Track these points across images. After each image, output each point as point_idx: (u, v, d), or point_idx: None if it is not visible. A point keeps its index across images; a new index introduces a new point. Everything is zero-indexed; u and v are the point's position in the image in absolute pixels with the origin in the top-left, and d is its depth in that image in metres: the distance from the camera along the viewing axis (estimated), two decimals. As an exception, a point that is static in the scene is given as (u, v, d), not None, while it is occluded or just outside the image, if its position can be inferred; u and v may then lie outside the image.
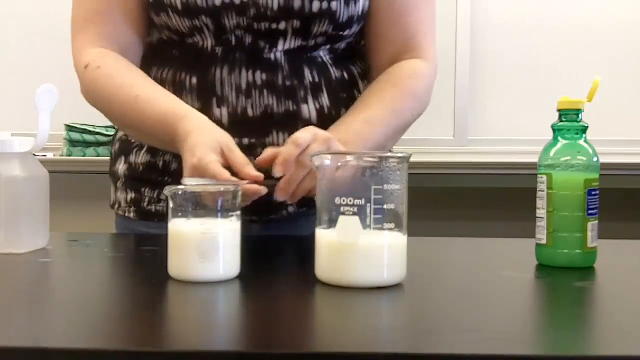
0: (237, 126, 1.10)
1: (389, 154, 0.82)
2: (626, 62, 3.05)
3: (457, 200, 2.83)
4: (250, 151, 1.10)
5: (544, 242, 0.95)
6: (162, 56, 1.17)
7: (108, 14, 1.15)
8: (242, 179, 0.94)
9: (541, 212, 0.95)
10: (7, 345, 0.61)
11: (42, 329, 0.67)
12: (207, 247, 0.83)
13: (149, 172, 1.18)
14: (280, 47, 1.12)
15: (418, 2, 1.20)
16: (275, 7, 1.09)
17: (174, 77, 1.14)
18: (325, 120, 1.13)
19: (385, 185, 0.80)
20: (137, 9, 1.16)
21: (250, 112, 1.11)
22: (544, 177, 0.95)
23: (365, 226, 0.80)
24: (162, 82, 1.14)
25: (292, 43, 1.13)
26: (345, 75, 1.18)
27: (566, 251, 0.94)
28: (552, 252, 0.94)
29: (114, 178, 1.27)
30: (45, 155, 2.81)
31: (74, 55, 1.18)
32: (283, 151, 0.95)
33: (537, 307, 0.79)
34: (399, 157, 0.82)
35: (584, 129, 0.97)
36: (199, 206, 0.84)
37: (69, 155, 2.94)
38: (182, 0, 1.09)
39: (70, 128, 2.97)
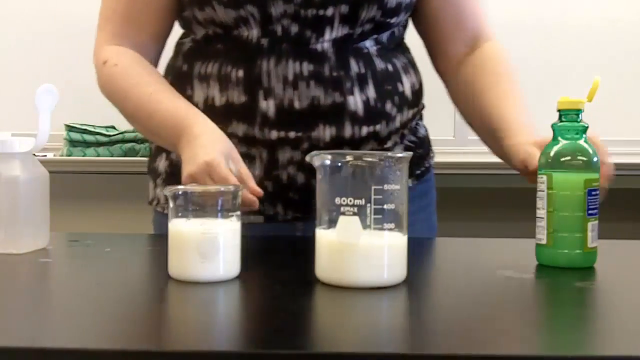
0: (283, 119, 1.10)
1: (389, 154, 0.82)
2: (626, 62, 3.05)
3: (457, 201, 2.82)
4: (296, 145, 1.11)
5: (544, 242, 0.95)
6: (206, 51, 1.16)
7: (127, 14, 1.17)
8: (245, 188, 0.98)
9: (541, 212, 0.95)
10: (7, 345, 0.61)
11: (42, 329, 0.67)
12: (207, 247, 0.83)
13: None
14: (327, 36, 1.11)
15: None
16: None
17: (219, 71, 1.13)
18: (371, 113, 1.12)
19: (385, 185, 0.80)
20: (162, 9, 1.17)
21: (297, 104, 1.10)
22: (544, 177, 0.95)
23: (365, 226, 0.80)
24: (206, 77, 1.14)
25: (338, 31, 1.11)
26: (389, 67, 1.17)
27: (566, 251, 0.94)
28: (552, 252, 0.94)
29: (154, 174, 1.26)
30: (45, 155, 2.81)
31: (94, 50, 1.20)
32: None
33: (537, 307, 0.79)
34: (399, 157, 0.82)
35: (584, 129, 0.96)
36: (199, 206, 0.84)
37: (69, 155, 2.94)
38: None
39: (70, 128, 2.97)
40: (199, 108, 1.14)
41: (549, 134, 0.98)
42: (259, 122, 1.11)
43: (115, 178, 2.92)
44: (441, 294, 0.84)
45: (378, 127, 1.14)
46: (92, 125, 3.01)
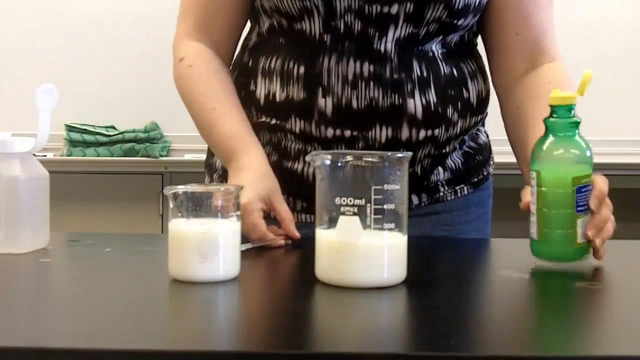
0: (340, 117, 1.10)
1: (389, 154, 0.82)
2: (626, 62, 3.05)
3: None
4: (351, 144, 1.11)
5: (535, 237, 0.95)
6: (270, 45, 1.17)
7: (207, 3, 1.18)
8: (282, 229, 1.04)
9: (533, 208, 0.95)
10: (7, 345, 0.61)
11: (42, 329, 0.67)
12: (207, 247, 0.83)
13: None
14: (390, 35, 1.09)
15: (544, 0, 1.19)
16: None
17: (282, 66, 1.13)
18: (431, 117, 1.11)
19: (385, 185, 0.80)
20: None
21: (354, 104, 1.10)
22: (534, 174, 0.94)
23: (365, 226, 0.80)
24: (270, 72, 1.15)
25: (402, 31, 1.10)
26: (455, 72, 1.14)
27: (556, 247, 0.93)
28: (543, 247, 0.94)
29: (210, 170, 1.26)
30: (45, 155, 2.81)
31: (174, 40, 1.21)
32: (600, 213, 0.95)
33: (537, 307, 0.79)
34: (399, 157, 0.82)
35: (577, 124, 0.95)
36: (199, 206, 0.84)
37: (69, 155, 2.94)
38: None
39: (70, 128, 2.98)
40: (260, 103, 1.15)
41: None
42: (315, 119, 1.11)
43: (115, 178, 2.92)
44: (441, 294, 0.84)
45: (437, 131, 1.12)
46: (92, 125, 3.01)
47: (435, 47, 1.13)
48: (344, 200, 0.80)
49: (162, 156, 2.96)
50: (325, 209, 0.82)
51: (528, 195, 0.96)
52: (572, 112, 0.94)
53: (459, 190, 1.21)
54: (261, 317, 0.73)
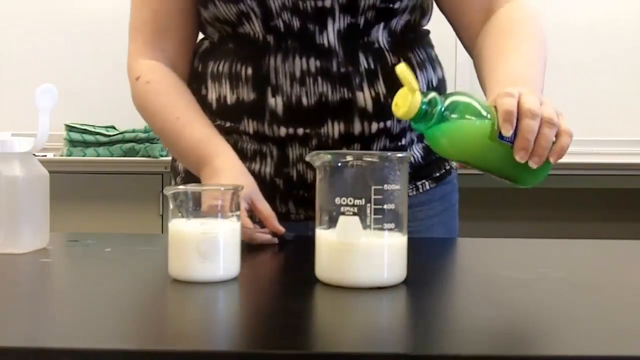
0: (291, 115, 1.11)
1: (389, 154, 0.82)
2: (626, 62, 3.05)
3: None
4: (305, 141, 1.11)
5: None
6: (218, 51, 1.17)
7: (156, 22, 1.19)
8: (266, 227, 1.05)
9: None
10: (7, 345, 0.61)
11: (42, 329, 0.67)
12: (207, 247, 0.83)
13: None
14: (330, 28, 1.10)
15: None
16: None
17: (229, 69, 1.14)
18: (381, 108, 1.11)
19: (385, 185, 0.80)
20: (186, 12, 1.18)
21: (304, 100, 1.10)
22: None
23: (365, 226, 0.80)
24: (218, 75, 1.15)
25: (341, 22, 1.10)
26: (402, 62, 1.16)
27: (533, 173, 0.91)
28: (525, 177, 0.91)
29: (174, 173, 1.28)
30: (45, 155, 2.81)
31: (128, 61, 1.22)
32: (500, 104, 0.87)
33: (537, 307, 0.79)
34: (399, 157, 0.82)
35: (439, 112, 0.86)
36: (199, 206, 0.84)
37: (69, 155, 2.94)
38: None
39: (70, 128, 2.98)
40: (213, 107, 1.16)
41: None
42: (267, 119, 1.12)
43: (115, 178, 2.92)
44: (441, 294, 0.84)
45: (389, 123, 1.13)
46: (92, 125, 3.01)
47: (381, 37, 1.13)
48: (344, 200, 0.80)
49: (162, 156, 2.96)
50: (325, 209, 0.82)
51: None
52: (425, 108, 0.86)
53: (420, 186, 1.21)
54: (261, 317, 0.73)
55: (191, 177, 1.20)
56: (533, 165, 0.87)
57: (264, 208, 1.06)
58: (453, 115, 0.87)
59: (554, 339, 0.65)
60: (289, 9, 1.10)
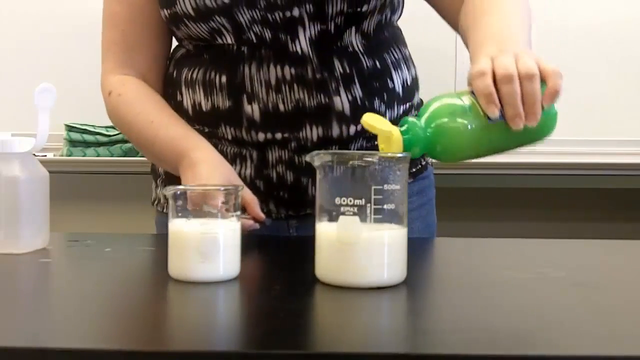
0: (269, 121, 1.11)
1: (389, 154, 0.82)
2: (626, 62, 3.05)
3: (456, 200, 2.83)
4: (284, 145, 1.12)
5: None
6: (194, 59, 1.18)
7: (126, 42, 1.20)
8: (248, 214, 1.05)
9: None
10: (7, 345, 0.61)
11: (42, 329, 0.67)
12: (207, 247, 0.83)
13: None
14: (301, 36, 1.11)
15: None
16: None
17: (203, 77, 1.15)
18: (358, 111, 1.12)
19: (385, 185, 0.80)
20: (157, 31, 1.19)
21: (281, 107, 1.11)
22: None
23: (365, 226, 0.80)
24: (192, 82, 1.16)
25: (312, 29, 1.11)
26: (378, 64, 1.15)
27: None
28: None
29: (155, 175, 1.29)
30: (45, 155, 2.81)
31: (101, 80, 1.23)
32: (476, 88, 0.86)
33: (537, 307, 0.79)
34: (399, 157, 0.82)
35: (414, 127, 0.87)
36: (199, 206, 0.84)
37: (69, 155, 2.94)
38: (192, 5, 1.10)
39: (70, 128, 2.97)
40: (189, 113, 1.17)
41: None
42: (245, 126, 1.13)
43: (115, 178, 2.92)
44: (441, 294, 0.84)
45: None
46: (92, 125, 3.01)
47: (354, 41, 1.14)
48: (344, 200, 0.80)
49: (162, 156, 2.96)
50: (325, 209, 0.82)
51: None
52: (411, 139, 0.86)
53: None
54: (261, 317, 0.73)
55: (172, 179, 1.20)
56: (533, 124, 0.86)
57: (246, 193, 1.06)
58: (436, 125, 0.87)
59: (554, 339, 0.65)
60: (259, 21, 1.10)
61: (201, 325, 0.70)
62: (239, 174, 1.15)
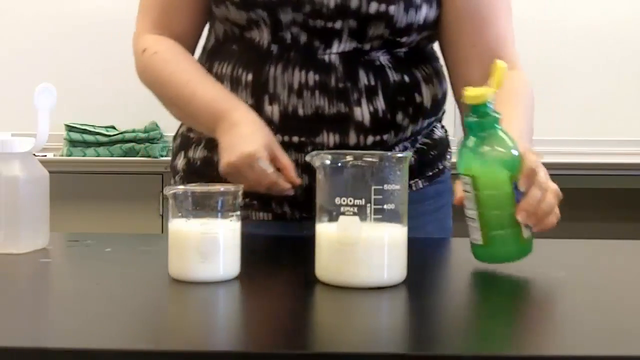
0: (287, 124, 1.11)
1: (389, 154, 0.82)
2: (626, 62, 3.05)
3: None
4: (300, 149, 1.12)
5: (480, 242, 0.91)
6: (223, 51, 1.18)
7: (166, 3, 1.20)
8: (284, 177, 1.04)
9: (471, 213, 0.91)
10: (7, 345, 0.61)
11: (42, 329, 0.67)
12: (207, 247, 0.83)
13: (205, 167, 1.20)
14: (334, 48, 1.11)
15: (500, 9, 1.16)
16: (332, 5, 1.09)
17: (231, 73, 1.15)
18: (379, 123, 1.12)
19: (385, 185, 0.80)
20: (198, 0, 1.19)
21: (300, 111, 1.11)
22: (468, 179, 0.90)
23: (365, 226, 0.80)
24: (220, 77, 1.16)
25: (346, 45, 1.11)
26: (406, 78, 1.14)
27: (504, 247, 0.91)
28: (488, 252, 0.92)
29: (173, 172, 1.28)
30: (45, 155, 2.81)
31: (133, 38, 1.22)
32: (531, 161, 0.91)
33: (537, 307, 0.79)
34: (399, 157, 0.82)
35: (497, 120, 0.90)
36: (199, 206, 0.84)
37: (69, 155, 2.94)
38: None
39: (70, 128, 2.97)
40: None
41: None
42: None
43: (115, 178, 2.92)
44: (441, 294, 0.84)
45: (386, 136, 1.13)
46: (92, 125, 3.01)
47: (382, 57, 1.13)
48: (344, 200, 0.80)
49: (162, 156, 2.96)
50: (325, 209, 0.82)
51: (460, 189, 0.93)
52: (491, 107, 0.89)
53: (412, 185, 1.20)
54: (261, 317, 0.73)
55: (191, 176, 1.20)
56: (531, 223, 0.90)
57: (283, 158, 1.05)
58: (496, 135, 0.90)
59: (554, 339, 0.65)
60: (299, 24, 1.10)
61: (201, 325, 0.70)
62: None
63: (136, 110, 3.09)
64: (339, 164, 0.81)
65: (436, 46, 1.22)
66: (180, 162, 1.25)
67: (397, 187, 0.81)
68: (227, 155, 1.03)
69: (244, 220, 1.14)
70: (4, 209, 0.98)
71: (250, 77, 1.13)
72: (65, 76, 3.05)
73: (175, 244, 0.84)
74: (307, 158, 0.84)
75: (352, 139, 1.12)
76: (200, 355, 0.61)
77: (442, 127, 1.27)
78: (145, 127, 3.03)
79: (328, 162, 0.82)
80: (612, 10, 3.06)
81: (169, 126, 3.28)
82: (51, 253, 1.01)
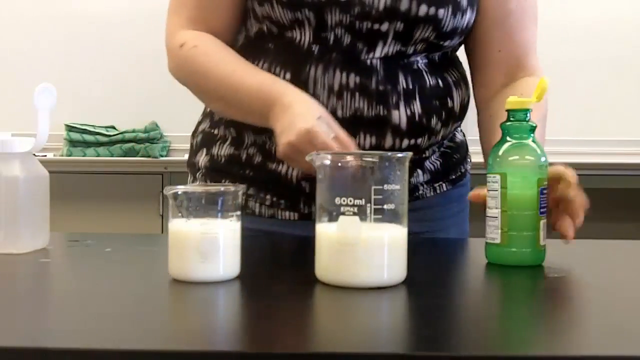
0: None
1: (389, 154, 0.82)
2: (626, 62, 3.05)
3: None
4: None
5: (497, 241, 0.94)
6: (257, 48, 1.17)
7: (199, 1, 1.18)
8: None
9: (494, 212, 0.94)
10: (7, 345, 0.61)
11: (42, 329, 0.67)
12: (207, 247, 0.83)
13: (231, 165, 1.20)
14: (378, 51, 1.11)
15: (529, 18, 1.20)
16: (381, 7, 1.09)
17: (268, 71, 1.14)
18: (415, 127, 1.12)
19: (385, 185, 0.80)
20: None
21: (339, 113, 1.10)
22: (497, 177, 0.94)
23: (365, 226, 0.80)
24: None
25: (390, 47, 1.11)
26: (440, 83, 1.16)
27: (518, 250, 0.93)
28: (504, 251, 0.94)
29: (193, 169, 1.27)
30: (45, 155, 2.82)
31: (167, 34, 1.21)
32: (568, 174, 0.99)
33: (537, 307, 0.79)
34: (399, 157, 0.82)
35: (532, 129, 0.96)
36: (199, 206, 0.84)
37: (69, 155, 2.95)
38: None
39: (70, 128, 2.98)
40: None
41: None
42: None
43: (115, 178, 2.92)
44: (441, 294, 0.84)
45: (420, 140, 1.14)
46: (92, 125, 3.02)
47: (420, 60, 1.15)
48: (344, 200, 0.80)
49: (162, 156, 2.96)
50: (325, 208, 0.82)
51: (481, 191, 0.97)
52: (528, 116, 0.95)
53: (437, 187, 1.23)
54: (261, 317, 0.73)
55: (213, 173, 1.19)
56: (569, 234, 0.97)
57: (341, 133, 1.02)
58: (528, 143, 0.95)
59: (554, 339, 0.65)
60: (345, 25, 1.10)
61: (201, 325, 0.70)
62: (286, 174, 1.15)
63: (136, 110, 3.10)
64: (339, 164, 0.81)
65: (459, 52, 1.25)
66: (203, 159, 1.23)
67: (397, 187, 0.81)
68: (285, 136, 1.00)
69: (270, 219, 1.14)
70: (4, 209, 0.98)
71: (288, 76, 1.12)
72: (65, 76, 3.05)
73: (175, 244, 0.84)
74: (307, 158, 0.84)
75: (388, 141, 1.12)
76: (200, 355, 0.61)
77: (461, 130, 1.29)
78: (145, 127, 3.03)
79: (328, 162, 0.82)
80: (612, 10, 3.07)
81: (169, 126, 3.30)
82: (51, 253, 1.01)
